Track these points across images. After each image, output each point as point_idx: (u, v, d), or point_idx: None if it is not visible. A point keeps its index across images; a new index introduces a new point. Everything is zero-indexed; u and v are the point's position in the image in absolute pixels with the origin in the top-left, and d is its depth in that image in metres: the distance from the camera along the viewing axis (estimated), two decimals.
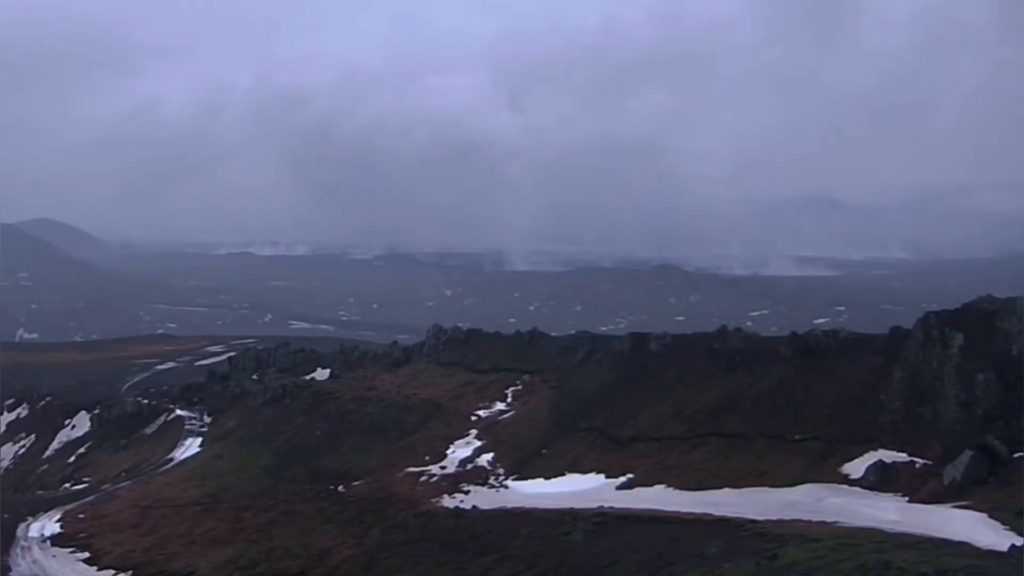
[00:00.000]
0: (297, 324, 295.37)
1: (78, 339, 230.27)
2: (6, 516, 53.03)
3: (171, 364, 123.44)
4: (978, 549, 23.13)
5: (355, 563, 35.72)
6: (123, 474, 66.94)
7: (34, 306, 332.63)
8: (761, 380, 45.93)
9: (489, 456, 51.77)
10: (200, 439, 70.77)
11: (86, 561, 43.89)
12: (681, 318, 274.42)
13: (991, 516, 27.29)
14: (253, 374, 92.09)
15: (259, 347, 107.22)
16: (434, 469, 51.36)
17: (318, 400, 68.55)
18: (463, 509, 41.83)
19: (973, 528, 26.01)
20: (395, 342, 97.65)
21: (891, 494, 32.52)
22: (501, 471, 49.02)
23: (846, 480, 34.70)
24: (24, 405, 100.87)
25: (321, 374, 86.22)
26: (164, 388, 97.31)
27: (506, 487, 46.28)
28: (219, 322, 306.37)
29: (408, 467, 52.37)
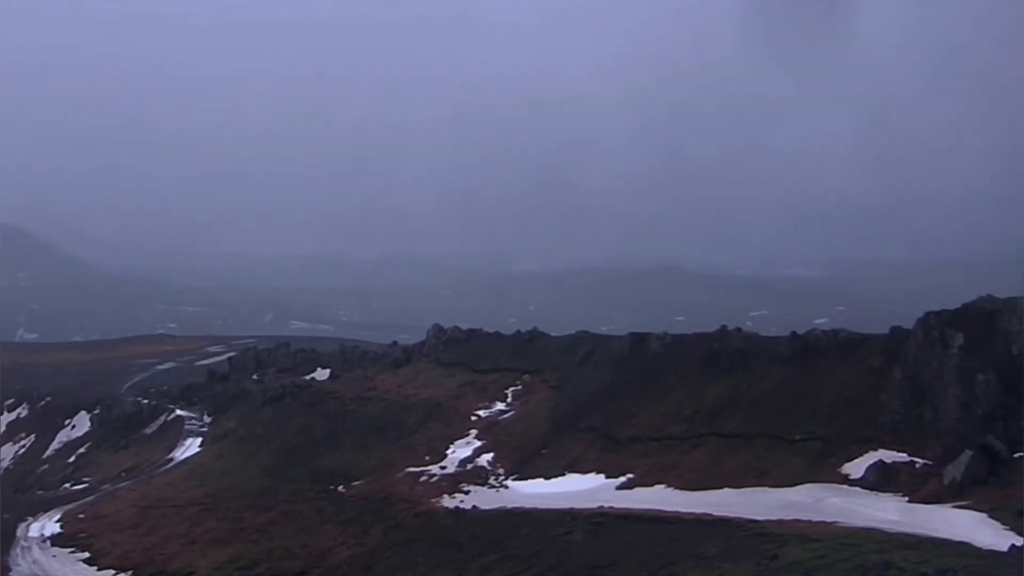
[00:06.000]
0: (297, 324, 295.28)
1: (78, 339, 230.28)
2: (6, 516, 53.05)
3: (171, 364, 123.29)
4: (978, 549, 23.16)
5: (355, 563, 35.78)
6: (123, 474, 66.96)
7: (34, 306, 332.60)
8: (761, 380, 45.93)
9: (489, 456, 51.75)
10: (200, 439, 70.75)
11: (86, 561, 43.97)
12: (681, 318, 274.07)
13: (991, 516, 27.34)
14: (253, 374, 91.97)
15: (259, 347, 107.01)
16: (434, 469, 51.36)
17: (318, 400, 68.53)
18: (463, 509, 41.88)
19: (973, 528, 26.05)
20: (395, 342, 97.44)
21: (891, 494, 32.55)
22: (501, 471, 49.02)
23: (846, 480, 34.73)
24: (24, 405, 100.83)
25: (321, 374, 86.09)
26: (164, 388, 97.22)
27: (506, 487, 46.30)
28: (219, 322, 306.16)
29: (408, 467, 52.37)
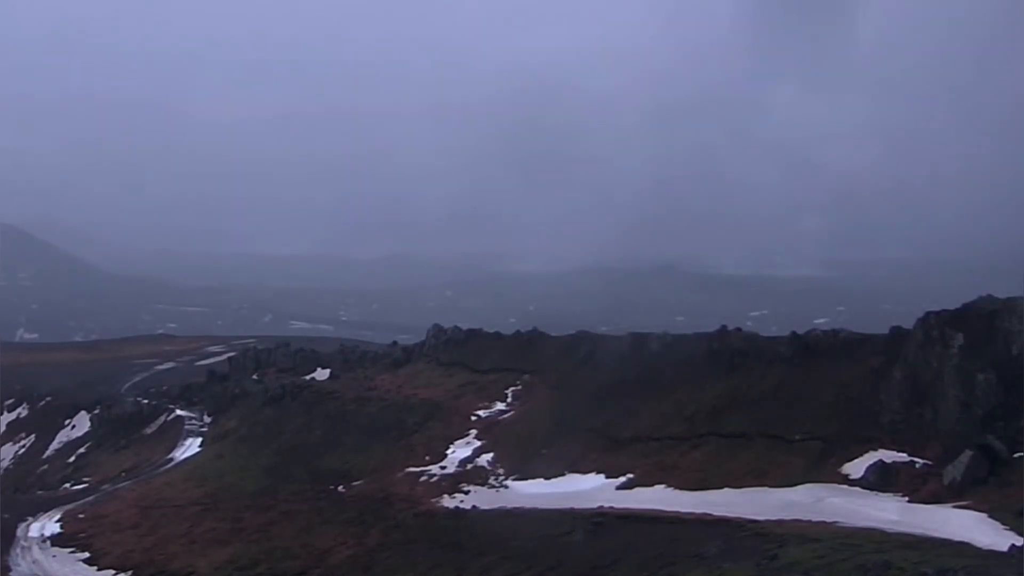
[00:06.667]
0: (297, 324, 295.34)
1: (78, 339, 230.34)
2: (6, 516, 53.02)
3: (171, 364, 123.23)
4: (978, 549, 23.14)
5: (355, 563, 35.74)
6: (123, 474, 66.91)
7: (34, 306, 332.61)
8: (761, 380, 45.90)
9: (489, 456, 51.74)
10: (200, 439, 70.74)
11: (86, 561, 43.90)
12: (681, 318, 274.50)
13: (991, 516, 27.31)
14: (253, 374, 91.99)
15: (259, 347, 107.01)
16: (434, 469, 51.35)
17: (318, 400, 68.51)
18: (463, 509, 41.86)
19: (973, 528, 26.03)
20: (395, 342, 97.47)
21: (891, 494, 32.52)
22: (501, 471, 49.00)
23: (846, 480, 34.70)
24: (24, 405, 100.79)
25: (321, 374, 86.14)
26: (164, 388, 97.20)
27: (506, 487, 46.27)
28: (219, 322, 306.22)
29: (408, 467, 52.36)
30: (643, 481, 41.38)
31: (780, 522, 29.34)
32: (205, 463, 62.34)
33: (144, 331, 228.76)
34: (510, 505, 41.66)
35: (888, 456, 34.83)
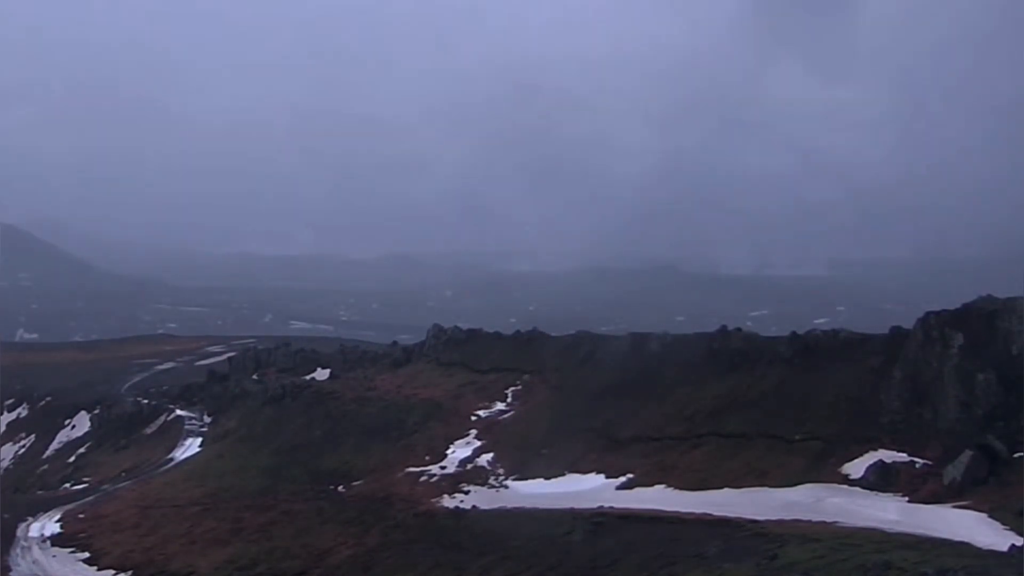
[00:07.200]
0: (297, 324, 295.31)
1: (78, 339, 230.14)
2: (6, 516, 53.01)
3: (171, 364, 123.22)
4: (978, 549, 23.14)
5: (355, 563, 35.74)
6: (123, 474, 66.90)
7: (34, 306, 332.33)
8: (761, 380, 45.91)
9: (489, 456, 51.73)
10: (200, 439, 70.72)
11: (86, 561, 43.88)
12: (681, 318, 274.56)
13: (991, 516, 27.33)
14: (253, 374, 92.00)
15: (259, 347, 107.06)
16: (434, 469, 51.34)
17: (318, 400, 68.48)
18: (463, 509, 41.84)
19: (973, 528, 26.04)
20: (395, 342, 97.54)
21: (891, 494, 32.53)
22: (501, 471, 48.98)
23: (846, 480, 34.71)
24: (24, 405, 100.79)
25: (321, 374, 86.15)
26: (164, 388, 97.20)
27: (506, 487, 46.26)
28: (219, 322, 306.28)
29: (408, 467, 52.34)
30: (643, 481, 41.37)
31: (780, 522, 29.34)
32: (205, 463, 62.31)
33: (144, 331, 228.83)
34: (510, 505, 41.65)
35: (888, 456, 34.83)
